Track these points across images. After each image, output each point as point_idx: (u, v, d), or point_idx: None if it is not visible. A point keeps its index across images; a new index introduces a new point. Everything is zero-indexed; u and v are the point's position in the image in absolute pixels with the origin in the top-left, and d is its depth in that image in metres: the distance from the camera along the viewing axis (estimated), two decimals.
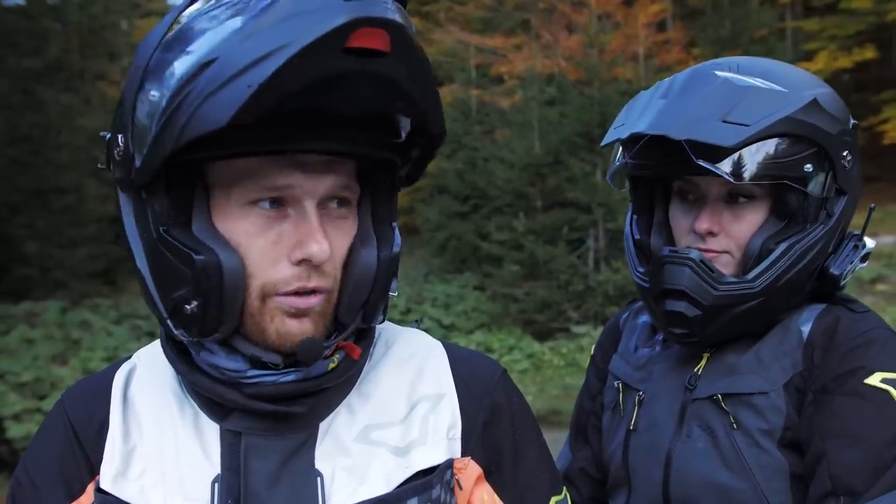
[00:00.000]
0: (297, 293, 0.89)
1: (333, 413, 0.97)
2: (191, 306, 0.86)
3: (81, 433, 0.98)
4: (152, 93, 0.82)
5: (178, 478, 0.92)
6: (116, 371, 1.02)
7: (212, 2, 0.85)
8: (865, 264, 1.39)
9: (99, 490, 0.94)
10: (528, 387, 11.25)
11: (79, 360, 11.99)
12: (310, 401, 0.94)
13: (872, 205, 1.46)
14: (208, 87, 0.77)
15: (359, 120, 0.87)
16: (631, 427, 1.41)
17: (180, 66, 0.81)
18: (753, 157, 1.24)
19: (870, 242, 1.39)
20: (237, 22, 0.80)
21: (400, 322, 1.15)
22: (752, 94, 1.26)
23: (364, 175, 0.95)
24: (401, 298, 15.23)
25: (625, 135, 1.31)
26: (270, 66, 0.75)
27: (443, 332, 14.15)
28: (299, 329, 0.90)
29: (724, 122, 1.22)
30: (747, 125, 1.22)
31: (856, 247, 1.36)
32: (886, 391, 1.21)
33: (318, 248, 0.87)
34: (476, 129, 18.23)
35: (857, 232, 1.38)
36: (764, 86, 1.28)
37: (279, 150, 0.85)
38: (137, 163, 0.84)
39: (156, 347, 1.03)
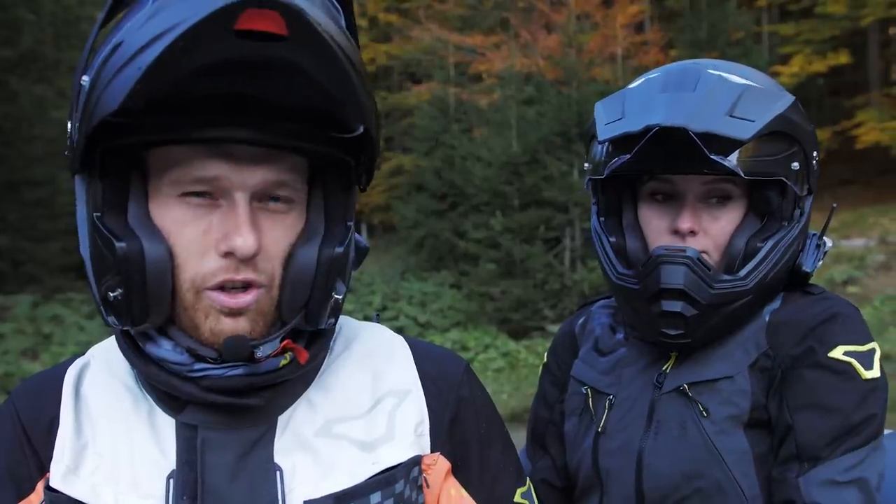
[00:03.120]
0: (223, 288, 0.87)
1: (293, 407, 0.96)
2: (114, 294, 0.85)
3: (31, 430, 0.96)
4: (83, 77, 0.82)
5: (132, 474, 0.91)
6: (69, 367, 1.00)
7: None
8: (821, 263, 1.42)
9: (49, 488, 0.92)
10: (504, 385, 11.27)
11: (50, 354, 11.84)
12: (267, 394, 0.92)
13: (834, 204, 1.50)
14: (111, 70, 0.77)
15: (301, 113, 0.85)
16: (599, 430, 1.40)
17: (103, 50, 0.81)
18: (755, 154, 1.26)
19: (828, 241, 1.42)
20: (148, 3, 0.79)
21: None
22: (749, 92, 1.27)
23: (317, 172, 0.94)
24: (377, 296, 15.20)
25: (639, 126, 1.25)
26: (157, 48, 0.73)
27: (419, 330, 14.13)
28: (233, 328, 0.88)
29: (731, 116, 1.23)
30: (752, 121, 1.23)
31: (818, 245, 1.39)
32: (849, 363, 1.25)
33: (242, 241, 0.85)
34: (454, 127, 18.21)
35: (815, 232, 1.41)
36: (751, 84, 1.30)
37: (199, 138, 0.84)
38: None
39: (111, 343, 1.01)
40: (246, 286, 0.88)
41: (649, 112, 1.26)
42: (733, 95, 1.26)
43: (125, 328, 0.89)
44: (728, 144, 1.22)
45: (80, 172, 0.87)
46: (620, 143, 1.31)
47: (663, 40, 18.04)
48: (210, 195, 0.87)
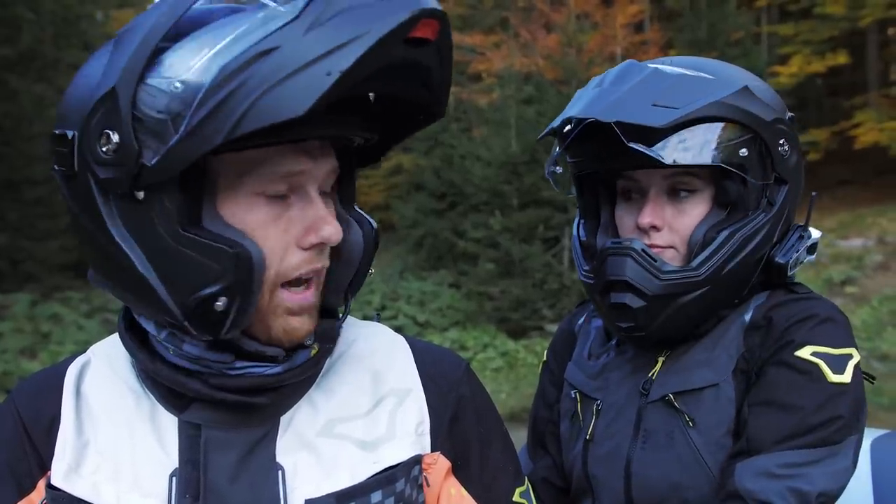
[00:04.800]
0: (298, 284, 0.90)
1: (294, 407, 0.97)
2: (221, 303, 0.84)
3: (32, 428, 0.96)
4: (175, 84, 0.78)
5: (134, 473, 0.91)
6: (69, 365, 1.00)
7: None
8: (814, 256, 1.39)
9: (50, 486, 0.92)
10: (502, 385, 11.26)
11: (48, 353, 11.83)
12: (272, 394, 0.93)
13: (814, 192, 1.45)
14: (274, 76, 0.75)
15: (346, 103, 0.87)
16: (588, 437, 1.40)
17: (216, 55, 0.77)
18: (687, 141, 1.24)
19: (815, 233, 1.39)
20: (288, 12, 0.78)
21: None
22: (681, 81, 1.27)
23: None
24: (376, 295, 15.19)
25: (556, 123, 1.33)
26: (353, 53, 0.75)
27: (418, 330, 14.12)
28: (300, 324, 0.92)
29: (654, 105, 1.22)
30: (676, 108, 1.22)
31: (801, 237, 1.36)
32: (816, 364, 1.22)
33: (333, 229, 0.89)
34: (453, 127, 18.19)
35: (801, 223, 1.38)
36: (693, 74, 1.29)
37: (304, 137, 0.86)
38: (152, 160, 0.79)
39: (112, 341, 1.01)
40: (306, 281, 0.92)
41: (573, 108, 1.30)
42: (663, 85, 1.25)
43: (210, 338, 0.89)
44: (649, 133, 1.21)
45: (148, 187, 0.81)
46: (561, 139, 1.36)
47: (663, 40, 18.01)
48: (287, 191, 0.89)
